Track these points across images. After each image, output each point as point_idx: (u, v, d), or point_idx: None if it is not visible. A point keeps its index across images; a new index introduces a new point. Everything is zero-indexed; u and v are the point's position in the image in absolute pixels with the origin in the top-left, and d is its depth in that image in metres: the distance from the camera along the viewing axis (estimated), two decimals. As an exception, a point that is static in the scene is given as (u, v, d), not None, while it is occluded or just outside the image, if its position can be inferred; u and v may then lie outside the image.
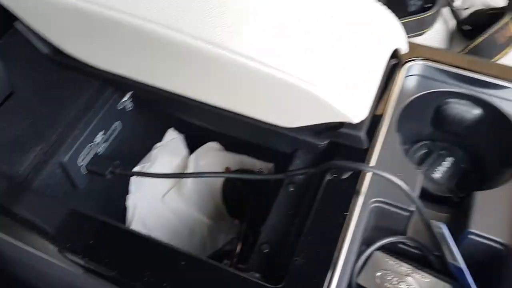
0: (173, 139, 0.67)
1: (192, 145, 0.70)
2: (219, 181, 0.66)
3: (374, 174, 0.43)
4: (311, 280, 0.37)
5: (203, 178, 0.65)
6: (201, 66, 0.42)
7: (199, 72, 0.43)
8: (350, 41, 0.42)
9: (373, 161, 0.44)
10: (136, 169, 0.62)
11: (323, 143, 0.44)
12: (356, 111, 0.40)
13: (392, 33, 0.46)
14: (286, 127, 0.44)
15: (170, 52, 0.42)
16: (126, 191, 0.60)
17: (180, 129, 0.69)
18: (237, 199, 0.65)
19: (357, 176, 0.43)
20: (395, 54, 0.48)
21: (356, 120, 0.40)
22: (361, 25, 0.43)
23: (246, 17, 0.41)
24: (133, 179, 0.62)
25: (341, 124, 0.42)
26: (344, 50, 0.41)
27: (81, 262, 0.38)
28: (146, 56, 0.45)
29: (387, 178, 0.40)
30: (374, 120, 0.45)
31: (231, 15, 0.41)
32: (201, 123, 0.52)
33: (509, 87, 0.49)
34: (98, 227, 0.41)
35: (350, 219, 0.40)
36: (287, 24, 0.41)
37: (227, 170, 0.68)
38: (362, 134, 0.42)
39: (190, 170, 0.65)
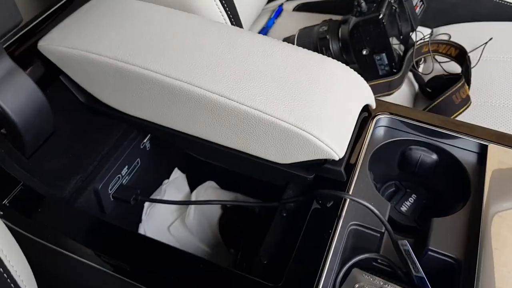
0: (177, 177, 0.77)
1: (193, 183, 0.80)
2: (217, 215, 0.75)
3: (352, 201, 0.53)
4: (303, 282, 0.47)
5: (203, 212, 0.75)
6: (215, 114, 0.53)
7: (213, 119, 0.54)
8: (331, 96, 0.53)
9: (350, 192, 0.54)
10: (147, 203, 0.71)
11: (311, 176, 0.54)
12: (337, 150, 0.51)
13: (363, 91, 0.58)
14: (281, 163, 0.55)
15: (189, 103, 0.53)
16: (139, 220, 0.69)
17: (182, 170, 0.79)
18: (233, 231, 0.75)
19: (339, 205, 0.53)
20: (365, 109, 0.60)
21: (337, 157, 0.51)
22: (340, 84, 0.55)
23: (253, 77, 0.53)
24: (145, 210, 0.71)
25: (325, 161, 0.53)
26: (327, 103, 0.53)
27: (114, 262, 0.47)
28: (168, 105, 0.55)
29: (363, 204, 0.51)
30: (350, 160, 0.56)
31: (242, 73, 0.52)
32: (209, 159, 0.62)
33: (459, 137, 0.60)
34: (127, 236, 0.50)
35: (333, 236, 0.50)
36: (283, 82, 0.53)
37: (224, 206, 0.78)
38: (342, 169, 0.53)
39: (192, 205, 0.75)
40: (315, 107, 0.52)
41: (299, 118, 0.51)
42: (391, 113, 0.62)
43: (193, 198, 0.76)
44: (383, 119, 0.62)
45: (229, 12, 0.88)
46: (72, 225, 0.51)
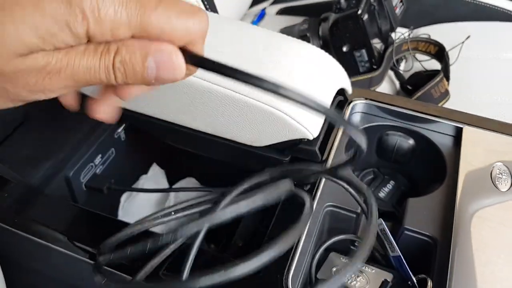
0: (156, 172, 0.76)
1: (172, 180, 0.79)
2: (197, 210, 0.74)
3: (327, 183, 0.53)
4: (276, 263, 0.45)
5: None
6: (188, 96, 0.53)
7: (186, 101, 0.53)
8: (305, 76, 0.53)
9: (326, 174, 0.54)
10: (124, 195, 0.70)
11: (287, 158, 0.54)
12: (311, 129, 0.51)
13: (338, 74, 0.58)
14: (257, 146, 0.54)
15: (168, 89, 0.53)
16: (115, 215, 0.68)
17: (161, 165, 0.78)
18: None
19: (314, 187, 0.53)
20: (341, 93, 0.60)
21: (311, 136, 0.51)
22: (315, 65, 0.55)
23: (228, 57, 0.52)
24: (121, 205, 0.70)
25: (300, 142, 0.52)
26: (301, 83, 0.52)
27: (88, 249, 0.46)
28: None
29: (339, 184, 0.50)
30: (325, 143, 0.56)
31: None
32: (183, 146, 0.62)
33: (434, 121, 0.60)
34: (101, 221, 0.49)
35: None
36: (257, 63, 0.53)
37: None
38: (316, 148, 0.53)
39: (171, 201, 0.74)
40: (288, 86, 0.51)
41: (271, 98, 0.50)
42: (366, 99, 0.62)
43: (172, 196, 0.75)
44: (359, 105, 0.62)
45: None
46: (41, 211, 0.50)
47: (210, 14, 0.64)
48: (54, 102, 0.58)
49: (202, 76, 0.51)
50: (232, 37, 0.55)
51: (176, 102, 0.54)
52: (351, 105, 0.62)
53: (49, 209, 0.50)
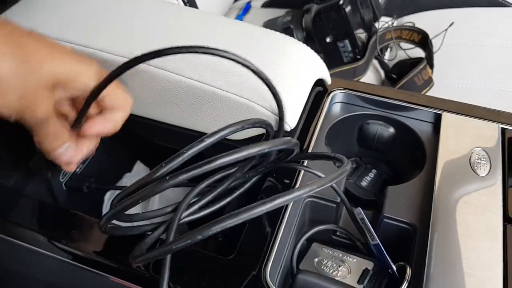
0: (140, 170, 0.76)
1: (158, 177, 0.78)
2: (182, 206, 0.74)
3: (306, 175, 0.53)
4: (254, 254, 0.46)
5: (168, 203, 0.73)
6: (165, 91, 0.53)
7: (163, 97, 0.53)
8: (281, 68, 0.53)
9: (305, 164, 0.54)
10: (108, 194, 0.69)
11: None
12: (288, 120, 0.51)
13: (316, 65, 0.58)
14: (234, 139, 0.54)
15: (137, 79, 0.53)
16: (99, 215, 0.68)
17: (145, 163, 0.78)
18: (200, 222, 0.73)
19: (293, 179, 0.53)
20: (320, 83, 0.60)
21: (288, 128, 0.51)
22: (291, 57, 0.55)
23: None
24: (105, 204, 0.69)
25: (276, 133, 0.52)
26: (277, 74, 0.52)
27: (69, 249, 0.46)
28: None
29: (315, 174, 0.50)
30: (304, 134, 0.56)
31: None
32: (163, 142, 0.61)
33: (414, 108, 0.60)
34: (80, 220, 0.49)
35: (286, 209, 0.50)
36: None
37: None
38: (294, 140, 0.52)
39: (156, 197, 0.74)
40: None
41: (247, 90, 0.50)
42: (345, 89, 0.62)
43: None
44: (339, 95, 0.62)
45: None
46: (19, 213, 0.49)
47: (188, 9, 0.64)
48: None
49: (181, 72, 0.51)
50: (207, 31, 0.55)
51: (152, 97, 0.54)
52: (330, 95, 0.61)
53: (28, 210, 0.50)
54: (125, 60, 0.47)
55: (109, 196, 0.70)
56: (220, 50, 0.40)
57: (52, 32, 0.54)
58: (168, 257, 0.40)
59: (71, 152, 0.42)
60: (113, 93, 0.42)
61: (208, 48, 0.40)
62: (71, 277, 0.51)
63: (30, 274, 0.53)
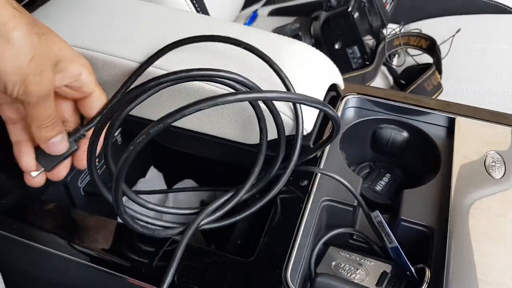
0: (154, 176, 0.77)
1: (170, 182, 0.79)
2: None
3: (323, 179, 0.53)
4: (274, 258, 0.46)
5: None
6: (178, 96, 0.53)
7: (177, 101, 0.54)
8: (296, 72, 0.54)
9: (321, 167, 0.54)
10: (123, 199, 0.70)
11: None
12: (304, 124, 0.51)
13: (329, 70, 0.59)
14: (249, 143, 0.55)
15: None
16: (115, 219, 0.68)
17: (159, 169, 0.78)
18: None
19: (309, 181, 0.53)
20: (334, 88, 0.60)
21: (305, 132, 0.51)
22: (305, 62, 0.56)
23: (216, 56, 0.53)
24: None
25: (293, 138, 0.53)
26: (295, 78, 0.53)
27: (89, 252, 0.46)
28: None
29: (332, 177, 0.51)
30: (319, 138, 0.56)
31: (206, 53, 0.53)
32: (175, 146, 0.62)
33: (427, 112, 0.61)
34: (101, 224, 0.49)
35: (304, 212, 0.50)
36: (248, 62, 0.54)
37: (202, 203, 0.77)
38: (311, 144, 0.53)
39: (170, 203, 0.74)
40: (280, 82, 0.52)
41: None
42: (359, 93, 0.62)
43: (171, 195, 0.75)
44: (352, 100, 0.63)
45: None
46: (39, 217, 0.50)
47: (204, 16, 0.65)
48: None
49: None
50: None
51: (170, 103, 0.54)
52: (344, 100, 0.62)
53: (48, 214, 0.51)
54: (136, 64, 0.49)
55: (124, 201, 0.70)
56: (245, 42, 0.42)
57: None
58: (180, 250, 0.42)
59: (64, 145, 0.46)
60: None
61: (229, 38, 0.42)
62: (87, 279, 0.51)
63: (47, 278, 0.53)
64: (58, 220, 0.50)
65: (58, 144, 0.46)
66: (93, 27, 0.57)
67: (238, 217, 0.49)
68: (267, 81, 0.52)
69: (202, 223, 0.47)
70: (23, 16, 0.39)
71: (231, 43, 0.51)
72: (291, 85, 0.51)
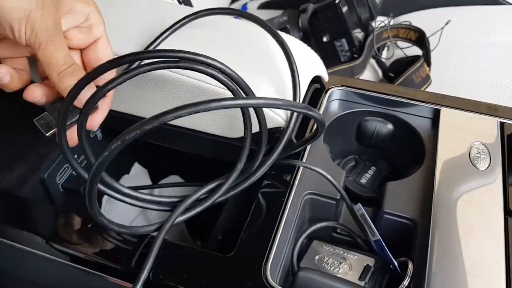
0: (138, 172, 0.76)
1: (155, 179, 0.78)
2: (181, 207, 0.73)
3: (306, 172, 0.52)
4: (255, 252, 0.45)
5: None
6: (161, 89, 0.52)
7: (160, 95, 0.53)
8: (278, 64, 0.53)
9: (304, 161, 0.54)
10: (105, 197, 0.69)
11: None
12: (286, 117, 0.50)
13: (313, 62, 0.58)
14: (232, 137, 0.54)
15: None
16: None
17: (143, 164, 0.77)
18: (199, 222, 0.73)
19: (292, 176, 0.52)
20: (317, 80, 0.59)
21: (285, 124, 0.51)
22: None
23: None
24: (103, 206, 0.69)
25: (275, 130, 0.52)
26: (274, 71, 0.52)
27: (68, 251, 0.45)
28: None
29: (315, 170, 0.50)
30: (302, 131, 0.55)
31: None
32: (164, 143, 0.61)
33: (412, 104, 0.60)
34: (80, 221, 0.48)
35: (286, 206, 0.49)
36: (230, 53, 0.53)
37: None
38: (293, 137, 0.52)
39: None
40: (261, 76, 0.51)
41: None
42: (343, 85, 0.62)
43: (157, 191, 0.74)
44: (337, 92, 0.62)
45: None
46: (15, 214, 0.49)
47: (184, 7, 0.64)
48: (24, 104, 0.57)
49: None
50: (209, 31, 0.55)
51: (148, 96, 0.53)
52: (328, 92, 0.61)
53: (24, 211, 0.50)
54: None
55: (106, 198, 0.70)
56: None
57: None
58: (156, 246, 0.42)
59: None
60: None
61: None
62: (67, 278, 0.50)
63: (26, 277, 0.52)
64: (36, 218, 0.49)
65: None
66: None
67: (209, 202, 0.48)
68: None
69: (178, 219, 0.46)
70: None
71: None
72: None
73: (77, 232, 0.48)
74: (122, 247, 0.47)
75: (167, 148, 0.64)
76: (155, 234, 0.46)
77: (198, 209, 0.47)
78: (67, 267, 0.47)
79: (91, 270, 0.46)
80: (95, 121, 0.46)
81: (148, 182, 0.76)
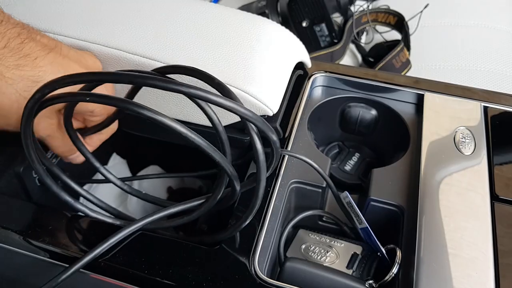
0: (117, 163, 0.73)
1: (135, 170, 0.76)
2: (163, 198, 0.72)
3: (291, 160, 0.51)
4: (241, 244, 0.44)
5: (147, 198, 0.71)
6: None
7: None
8: (260, 51, 0.51)
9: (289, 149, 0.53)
10: (85, 188, 0.67)
11: (247, 138, 0.52)
12: (270, 105, 0.49)
13: (296, 48, 0.56)
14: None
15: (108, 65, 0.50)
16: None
17: (122, 155, 0.75)
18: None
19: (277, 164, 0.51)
20: (300, 66, 0.58)
21: (271, 113, 0.49)
22: (270, 40, 0.53)
23: (178, 39, 0.50)
24: (82, 199, 0.67)
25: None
26: (256, 58, 0.50)
27: (45, 246, 0.43)
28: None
29: (300, 159, 0.49)
30: (286, 119, 0.54)
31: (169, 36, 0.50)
32: (143, 133, 0.59)
33: (395, 89, 0.60)
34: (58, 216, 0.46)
35: (272, 195, 0.48)
36: (211, 41, 0.51)
37: (170, 189, 0.75)
38: (277, 125, 0.51)
39: (134, 199, 0.71)
40: (244, 63, 0.49)
41: (228, 76, 0.48)
42: (326, 71, 0.61)
43: (136, 184, 0.72)
44: (320, 78, 0.61)
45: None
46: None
47: None
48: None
49: (153, 56, 0.49)
50: (187, 16, 0.53)
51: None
52: (311, 79, 0.60)
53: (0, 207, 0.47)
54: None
55: (82, 199, 0.67)
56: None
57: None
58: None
59: (80, 159, 0.53)
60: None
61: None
62: (48, 276, 0.48)
63: (5, 275, 0.50)
64: (11, 214, 0.47)
65: (75, 159, 0.53)
66: (69, 12, 0.53)
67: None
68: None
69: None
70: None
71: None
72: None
73: (54, 228, 0.47)
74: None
75: (146, 138, 0.62)
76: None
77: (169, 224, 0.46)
78: (46, 264, 0.45)
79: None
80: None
81: (127, 173, 0.74)
